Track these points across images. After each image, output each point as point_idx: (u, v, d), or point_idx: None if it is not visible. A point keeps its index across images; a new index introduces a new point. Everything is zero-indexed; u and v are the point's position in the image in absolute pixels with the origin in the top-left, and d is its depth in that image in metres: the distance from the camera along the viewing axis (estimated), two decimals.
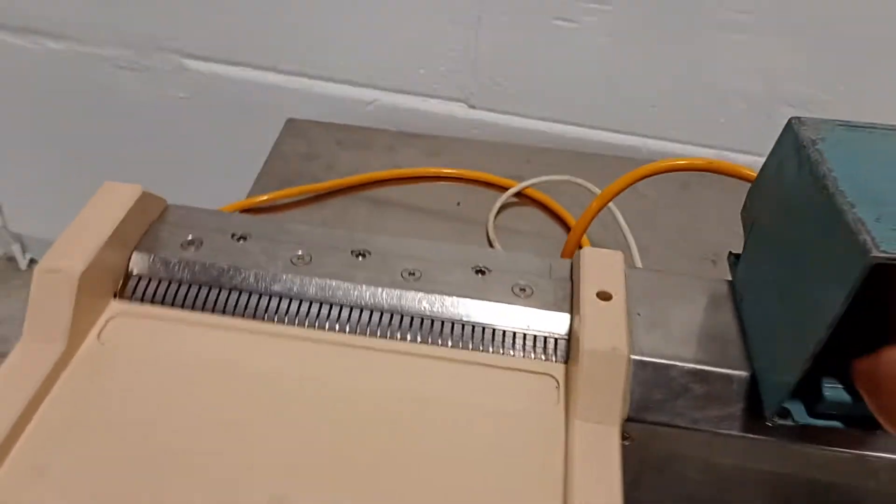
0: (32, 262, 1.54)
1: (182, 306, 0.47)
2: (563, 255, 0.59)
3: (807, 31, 0.89)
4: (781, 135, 0.40)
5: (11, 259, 1.54)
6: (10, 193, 1.39)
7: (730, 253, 0.47)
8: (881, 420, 0.35)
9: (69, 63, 1.13)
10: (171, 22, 1.04)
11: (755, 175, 0.44)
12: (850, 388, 0.36)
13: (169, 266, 0.47)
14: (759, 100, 0.96)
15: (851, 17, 0.87)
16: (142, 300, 0.47)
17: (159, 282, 0.47)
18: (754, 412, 0.41)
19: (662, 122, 1.00)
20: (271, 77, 1.06)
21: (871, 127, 0.39)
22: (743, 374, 0.41)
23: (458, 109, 1.04)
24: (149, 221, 0.49)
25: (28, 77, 1.17)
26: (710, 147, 1.02)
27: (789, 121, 0.40)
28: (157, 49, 1.07)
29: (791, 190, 0.38)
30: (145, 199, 0.48)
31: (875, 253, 0.30)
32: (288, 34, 1.02)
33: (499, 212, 0.80)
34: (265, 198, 0.78)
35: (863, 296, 0.32)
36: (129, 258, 0.47)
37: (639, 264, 0.72)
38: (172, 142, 1.18)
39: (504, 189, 0.83)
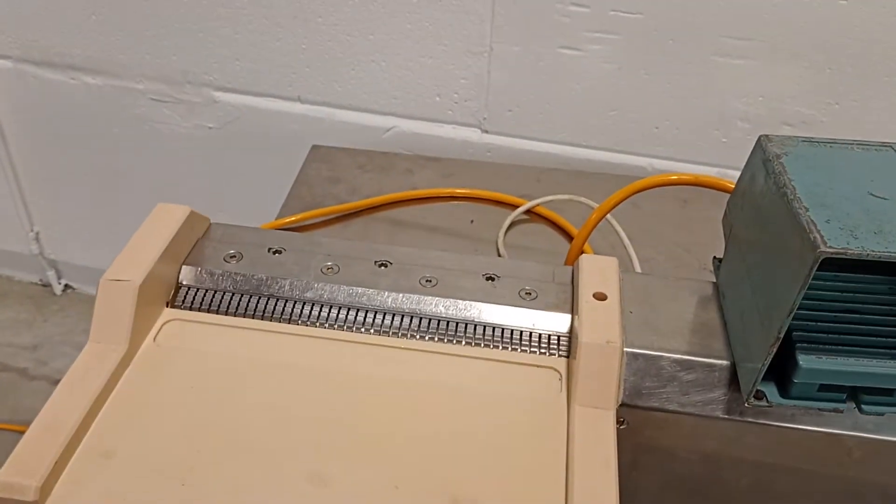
0: (67, 287, 1.61)
1: (226, 313, 0.53)
2: (566, 263, 0.64)
3: (804, 55, 0.94)
4: (753, 150, 0.46)
5: (47, 285, 1.61)
6: (46, 221, 1.46)
7: (714, 257, 0.52)
8: None
9: (105, 97, 1.20)
10: (202, 57, 1.12)
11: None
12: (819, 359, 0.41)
13: (214, 277, 0.53)
14: (760, 120, 1.01)
15: (846, 41, 0.92)
16: (191, 308, 0.53)
17: (206, 291, 0.53)
18: (734, 397, 0.46)
19: (666, 142, 1.05)
20: (296, 107, 1.13)
21: (832, 142, 0.45)
22: (724, 363, 0.46)
23: (472, 134, 1.10)
24: (196, 238, 0.55)
25: (66, 110, 1.24)
26: (714, 166, 1.07)
27: (759, 138, 0.45)
28: (189, 83, 1.15)
29: (759, 198, 0.43)
30: (193, 218, 0.54)
31: (822, 248, 0.35)
32: (311, 66, 1.08)
33: (510, 228, 0.86)
34: (293, 219, 0.84)
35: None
36: (180, 270, 0.53)
37: None
38: (204, 169, 1.25)
39: (515, 207, 0.88)
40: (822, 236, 0.36)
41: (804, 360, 0.40)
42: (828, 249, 0.35)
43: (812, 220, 0.37)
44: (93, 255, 1.50)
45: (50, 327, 1.55)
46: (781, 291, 0.38)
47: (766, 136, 0.45)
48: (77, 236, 1.47)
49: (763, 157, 0.44)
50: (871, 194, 0.40)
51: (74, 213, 1.42)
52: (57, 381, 0.46)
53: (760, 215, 0.43)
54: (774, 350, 0.39)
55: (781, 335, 0.38)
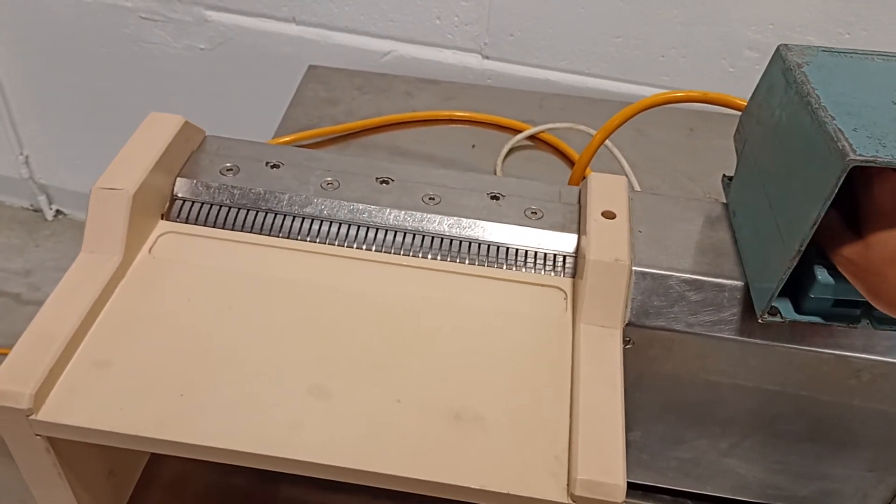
0: (59, 213, 1.59)
1: (223, 226, 0.51)
2: (569, 184, 0.63)
3: None
4: (771, 61, 0.44)
5: (38, 210, 1.58)
6: (36, 145, 1.43)
7: (723, 175, 0.51)
8: (871, 300, 0.39)
9: (94, 14, 1.16)
10: None
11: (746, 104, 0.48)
12: (836, 274, 0.40)
13: (210, 190, 0.52)
14: (769, 49, 0.97)
15: None
16: (186, 221, 0.51)
17: (202, 204, 0.52)
18: (744, 317, 0.45)
19: (672, 71, 1.02)
20: (291, 28, 1.09)
21: (852, 52, 0.43)
22: (734, 282, 0.45)
23: (473, 60, 1.07)
24: (190, 150, 0.53)
25: (54, 29, 1.20)
26: None
27: (777, 48, 0.43)
28: (179, 0, 1.11)
29: (779, 109, 0.42)
30: (187, 128, 0.52)
31: (852, 156, 0.34)
32: None
33: (512, 154, 0.84)
34: (288, 139, 0.82)
35: (842, 200, 0.37)
36: (174, 183, 0.52)
37: None
38: (197, 92, 1.21)
39: (516, 132, 0.86)
40: (850, 144, 0.34)
41: (822, 277, 0.39)
42: (857, 157, 0.34)
43: (839, 129, 0.36)
44: (84, 181, 1.47)
45: (42, 253, 1.53)
46: (804, 203, 0.37)
47: (786, 45, 0.43)
48: (68, 161, 1.44)
49: (783, 66, 0.42)
50: None
51: (65, 137, 1.39)
52: None
53: (780, 127, 0.42)
54: (795, 263, 0.38)
55: (803, 248, 0.37)
